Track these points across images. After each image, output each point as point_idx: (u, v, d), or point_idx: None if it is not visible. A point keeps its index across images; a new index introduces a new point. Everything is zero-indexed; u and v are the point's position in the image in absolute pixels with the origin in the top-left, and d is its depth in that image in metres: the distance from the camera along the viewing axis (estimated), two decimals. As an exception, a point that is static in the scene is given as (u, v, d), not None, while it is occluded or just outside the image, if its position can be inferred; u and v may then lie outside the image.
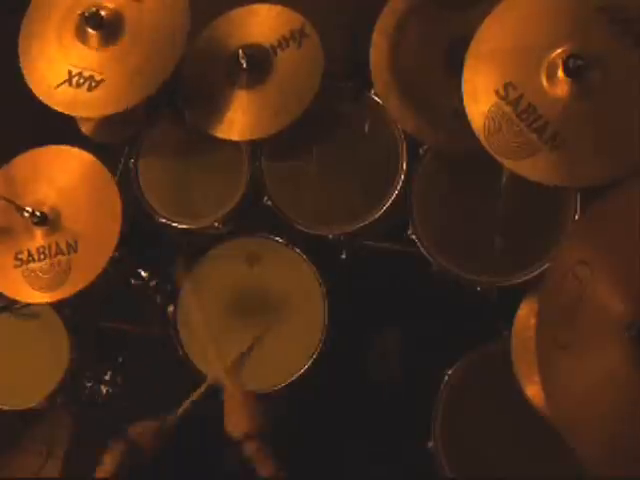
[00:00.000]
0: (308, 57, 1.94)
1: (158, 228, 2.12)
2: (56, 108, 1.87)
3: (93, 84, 1.85)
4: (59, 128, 2.02)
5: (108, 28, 1.88)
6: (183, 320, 2.05)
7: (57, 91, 1.86)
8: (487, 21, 1.61)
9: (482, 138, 1.56)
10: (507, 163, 1.55)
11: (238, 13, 2.06)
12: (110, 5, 1.90)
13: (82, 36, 1.89)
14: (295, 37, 1.96)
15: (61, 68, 1.88)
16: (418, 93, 1.84)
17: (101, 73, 1.86)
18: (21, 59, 1.90)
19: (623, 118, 1.47)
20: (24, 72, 1.89)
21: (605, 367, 1.21)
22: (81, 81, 1.85)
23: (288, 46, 1.96)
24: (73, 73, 1.86)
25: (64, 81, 1.86)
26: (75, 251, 1.81)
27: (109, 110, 1.85)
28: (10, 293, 1.85)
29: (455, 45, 1.76)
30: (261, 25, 2.01)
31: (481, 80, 1.59)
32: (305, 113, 1.91)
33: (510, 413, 1.71)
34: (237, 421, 1.70)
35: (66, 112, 1.88)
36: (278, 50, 1.97)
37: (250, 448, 1.63)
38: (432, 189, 1.93)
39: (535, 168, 1.52)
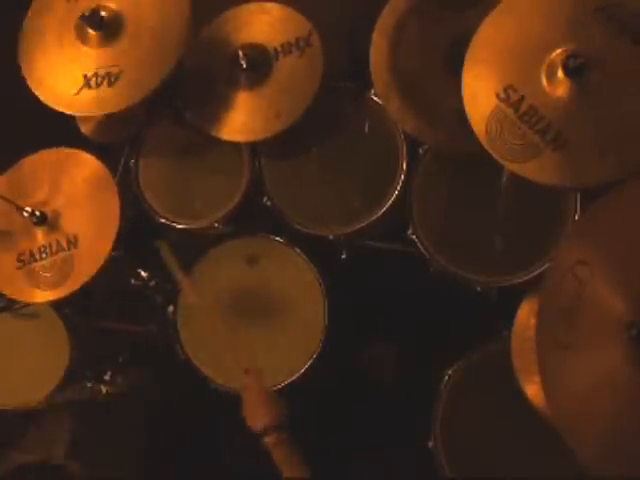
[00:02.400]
0: (308, 67, 1.94)
1: (158, 228, 2.12)
2: (84, 113, 1.90)
3: (112, 79, 1.84)
4: (59, 129, 2.02)
5: (108, 27, 1.88)
6: (183, 320, 2.05)
7: (79, 97, 1.86)
8: (485, 24, 1.61)
9: (485, 142, 1.56)
10: (511, 166, 1.55)
11: (248, 9, 2.04)
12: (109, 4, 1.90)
13: (84, 38, 1.89)
14: (299, 45, 1.95)
15: (75, 75, 1.88)
16: (418, 93, 1.84)
17: (116, 65, 1.86)
18: (29, 81, 1.89)
19: (625, 116, 1.47)
20: (37, 93, 1.89)
21: (605, 367, 1.21)
22: (99, 80, 1.85)
23: (290, 52, 1.96)
24: (89, 75, 1.86)
25: (82, 86, 1.86)
26: (76, 247, 1.82)
27: (137, 97, 1.85)
28: (15, 295, 1.86)
29: (455, 45, 1.76)
30: (269, 25, 2.00)
31: (481, 84, 1.59)
32: (305, 113, 1.91)
33: (510, 413, 1.71)
34: (257, 414, 1.63)
35: (95, 113, 1.91)
36: (280, 55, 1.97)
37: (271, 441, 1.57)
38: (432, 189, 1.93)
39: (539, 170, 1.52)
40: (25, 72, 1.90)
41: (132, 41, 1.87)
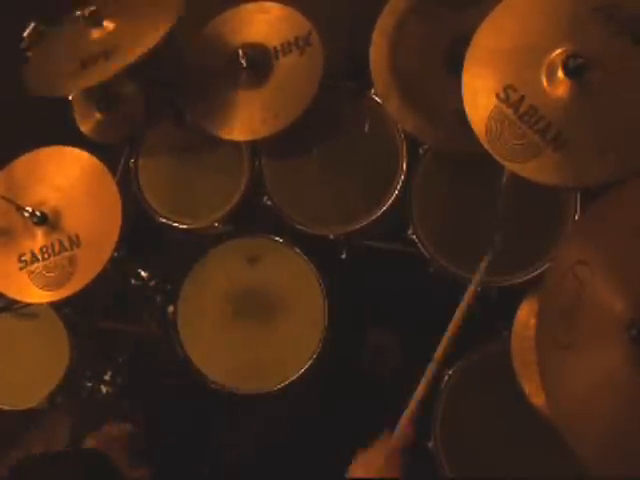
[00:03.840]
0: (308, 66, 1.94)
1: (158, 228, 2.12)
2: (93, 83, 1.84)
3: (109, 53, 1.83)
4: (59, 128, 2.02)
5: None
6: (183, 320, 2.05)
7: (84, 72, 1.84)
8: (485, 24, 1.61)
9: (485, 142, 1.56)
10: (511, 166, 1.55)
11: (247, 8, 2.04)
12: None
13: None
14: (299, 44, 1.95)
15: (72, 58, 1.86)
16: (418, 93, 1.84)
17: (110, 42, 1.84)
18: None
19: (626, 116, 1.47)
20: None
21: (605, 367, 1.21)
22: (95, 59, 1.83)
23: (290, 52, 1.95)
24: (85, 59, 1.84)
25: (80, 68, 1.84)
26: (78, 246, 1.82)
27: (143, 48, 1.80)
28: (18, 296, 1.85)
29: (455, 45, 1.76)
30: (269, 25, 2.00)
31: (481, 83, 1.59)
32: (305, 113, 1.91)
33: (510, 413, 1.71)
34: None
35: (104, 78, 1.82)
36: (280, 54, 1.97)
37: None
38: (432, 189, 1.93)
39: (539, 170, 1.51)
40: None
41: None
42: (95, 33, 1.88)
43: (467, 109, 1.60)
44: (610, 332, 1.21)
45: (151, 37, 1.79)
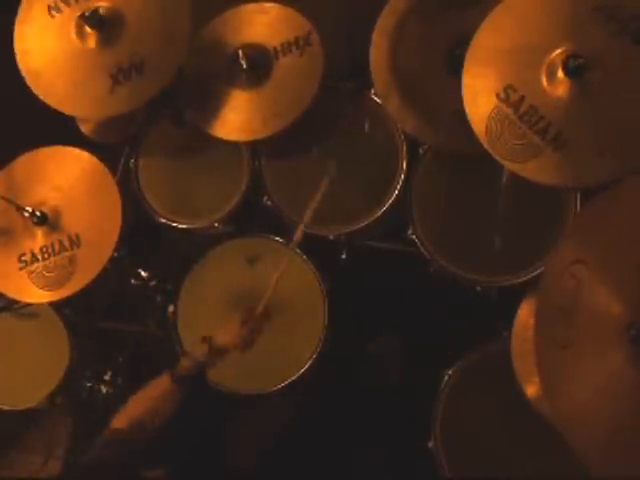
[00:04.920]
0: (308, 66, 1.94)
1: (158, 228, 2.12)
2: (124, 110, 1.85)
3: (138, 67, 1.83)
4: (59, 128, 2.02)
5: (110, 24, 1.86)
6: (183, 320, 2.05)
7: (113, 96, 1.84)
8: (485, 24, 1.61)
9: (485, 142, 1.56)
10: (511, 166, 1.55)
11: (247, 9, 2.04)
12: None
13: (87, 43, 1.88)
14: (299, 44, 1.95)
15: (100, 78, 1.85)
16: (418, 93, 1.84)
17: (136, 54, 1.84)
18: (62, 108, 1.87)
19: (625, 116, 1.47)
20: (74, 114, 1.90)
21: (605, 367, 1.21)
22: (127, 73, 1.83)
23: (290, 52, 1.95)
24: (114, 73, 1.83)
25: (113, 84, 1.83)
26: (79, 247, 1.82)
27: (169, 76, 1.85)
28: (17, 295, 1.86)
29: (455, 45, 1.76)
30: (268, 25, 2.00)
31: (481, 84, 1.59)
32: (305, 113, 1.91)
33: (510, 413, 1.71)
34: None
35: (135, 106, 1.86)
36: (280, 54, 1.97)
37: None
38: (432, 189, 1.93)
39: (539, 170, 1.52)
40: (52, 103, 1.86)
41: (137, 29, 1.86)
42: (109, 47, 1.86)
43: (467, 109, 1.60)
44: (609, 331, 1.21)
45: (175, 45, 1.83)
